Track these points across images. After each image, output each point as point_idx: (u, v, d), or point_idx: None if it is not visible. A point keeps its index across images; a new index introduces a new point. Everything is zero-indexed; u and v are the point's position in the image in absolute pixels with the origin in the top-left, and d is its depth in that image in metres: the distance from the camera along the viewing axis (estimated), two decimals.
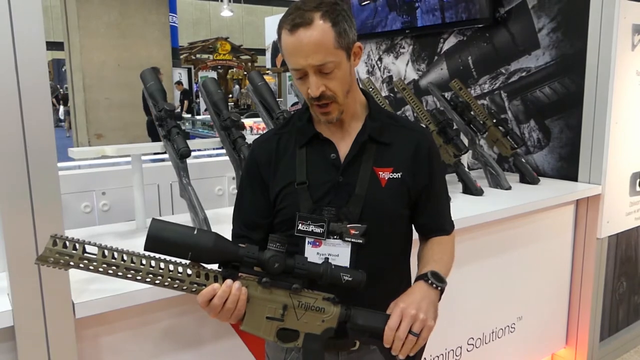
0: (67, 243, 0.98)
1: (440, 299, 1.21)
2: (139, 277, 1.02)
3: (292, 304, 1.11)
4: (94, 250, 1.00)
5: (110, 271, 1.01)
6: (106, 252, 1.00)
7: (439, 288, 1.19)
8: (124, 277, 1.02)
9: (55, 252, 0.97)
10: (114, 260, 1.00)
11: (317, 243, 1.21)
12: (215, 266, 1.10)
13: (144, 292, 1.38)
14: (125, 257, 1.01)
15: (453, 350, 2.35)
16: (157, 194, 2.85)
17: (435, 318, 1.16)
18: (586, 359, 2.84)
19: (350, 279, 1.10)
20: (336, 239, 1.20)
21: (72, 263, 0.98)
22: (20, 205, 1.20)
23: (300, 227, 1.20)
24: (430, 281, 1.19)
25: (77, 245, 0.99)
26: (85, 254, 0.99)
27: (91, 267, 1.00)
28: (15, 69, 1.17)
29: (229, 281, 1.07)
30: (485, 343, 2.48)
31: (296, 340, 1.13)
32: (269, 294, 1.10)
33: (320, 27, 1.12)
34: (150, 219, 1.93)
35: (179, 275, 1.05)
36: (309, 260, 1.12)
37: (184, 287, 1.06)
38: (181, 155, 1.83)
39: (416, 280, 1.23)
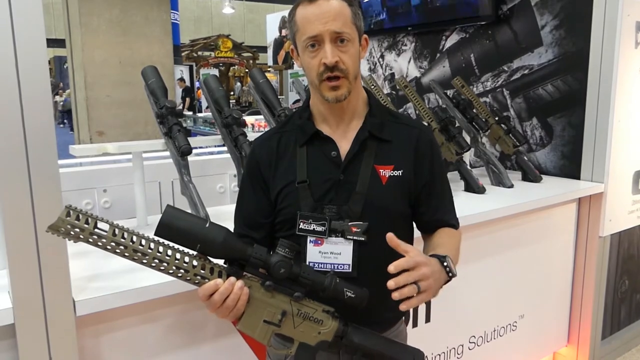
0: (80, 216, 0.97)
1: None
2: (144, 261, 1.02)
3: (292, 311, 1.11)
4: (105, 227, 1.00)
5: (117, 250, 1.00)
6: (117, 231, 1.00)
7: (450, 275, 1.16)
8: (130, 258, 1.01)
9: (67, 223, 0.96)
10: (123, 240, 1.00)
11: (319, 242, 1.20)
12: (221, 261, 1.10)
13: (145, 290, 1.38)
14: (134, 239, 1.01)
15: (455, 348, 2.35)
16: (159, 191, 2.84)
17: (435, 296, 1.12)
18: (588, 357, 2.84)
19: (353, 295, 1.10)
20: (338, 237, 1.20)
21: (81, 237, 0.97)
22: (20, 202, 1.20)
23: (301, 225, 1.20)
24: (445, 264, 1.15)
25: (89, 219, 0.98)
26: (96, 230, 0.98)
27: (100, 244, 0.99)
28: (15, 65, 1.16)
29: (232, 279, 1.06)
30: (487, 341, 2.47)
31: (289, 349, 1.12)
32: (270, 298, 1.10)
33: (339, 1, 1.18)
34: (150, 216, 1.94)
35: (185, 265, 1.05)
36: (314, 269, 1.12)
37: (188, 278, 1.05)
38: (182, 153, 1.83)
39: (431, 256, 1.17)
